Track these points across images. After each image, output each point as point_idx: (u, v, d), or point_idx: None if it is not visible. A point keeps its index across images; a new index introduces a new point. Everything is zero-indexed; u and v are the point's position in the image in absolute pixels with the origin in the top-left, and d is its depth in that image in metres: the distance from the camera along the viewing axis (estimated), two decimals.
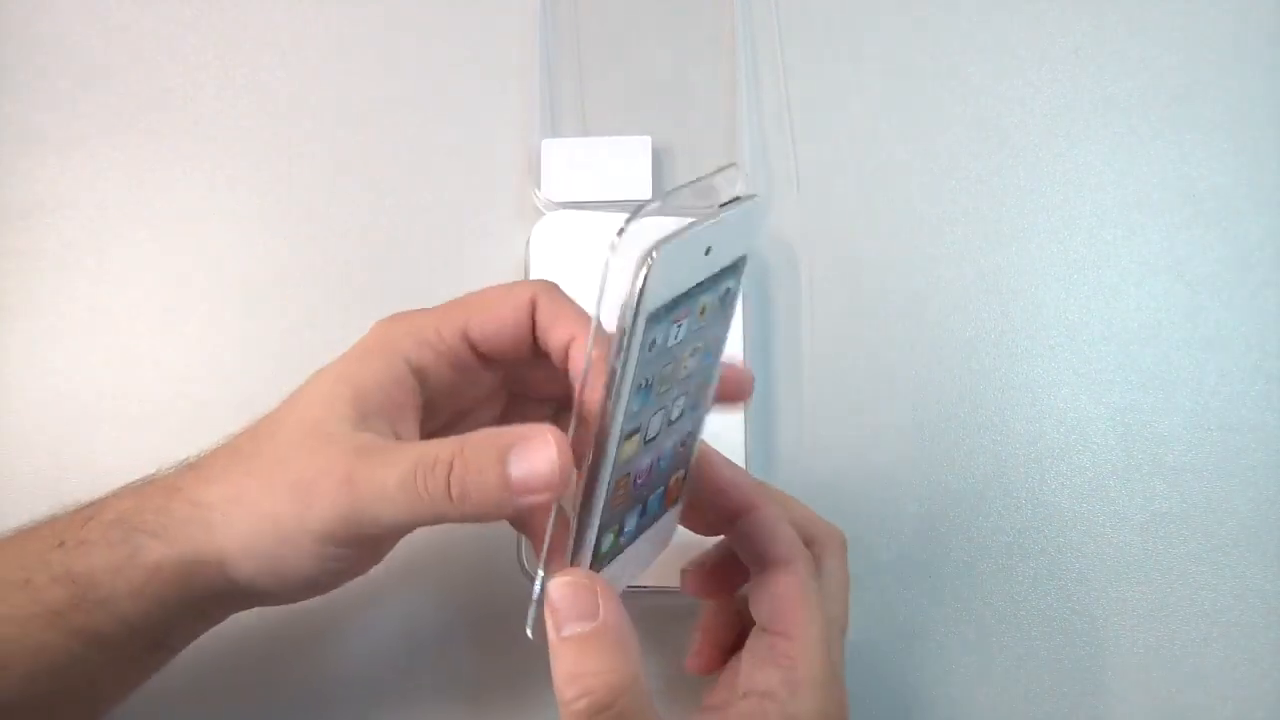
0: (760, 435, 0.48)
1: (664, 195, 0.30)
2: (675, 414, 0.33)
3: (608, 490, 0.31)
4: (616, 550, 0.34)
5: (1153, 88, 0.53)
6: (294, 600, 0.36)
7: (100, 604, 0.33)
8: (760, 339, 0.50)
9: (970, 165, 0.52)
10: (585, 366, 0.31)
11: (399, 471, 0.32)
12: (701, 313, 0.32)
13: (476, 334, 0.36)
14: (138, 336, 0.49)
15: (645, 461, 0.33)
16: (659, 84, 0.54)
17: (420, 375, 0.36)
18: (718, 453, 0.38)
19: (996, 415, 0.49)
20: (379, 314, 0.38)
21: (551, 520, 0.33)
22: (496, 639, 0.45)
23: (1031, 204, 0.52)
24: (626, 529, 0.34)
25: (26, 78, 0.52)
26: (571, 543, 0.32)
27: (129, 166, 0.51)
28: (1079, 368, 0.50)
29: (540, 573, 0.32)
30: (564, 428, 0.32)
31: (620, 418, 0.30)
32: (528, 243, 0.49)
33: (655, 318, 0.29)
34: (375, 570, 0.37)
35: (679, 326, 0.31)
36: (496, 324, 0.36)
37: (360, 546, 0.34)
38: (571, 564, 0.32)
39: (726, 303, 0.33)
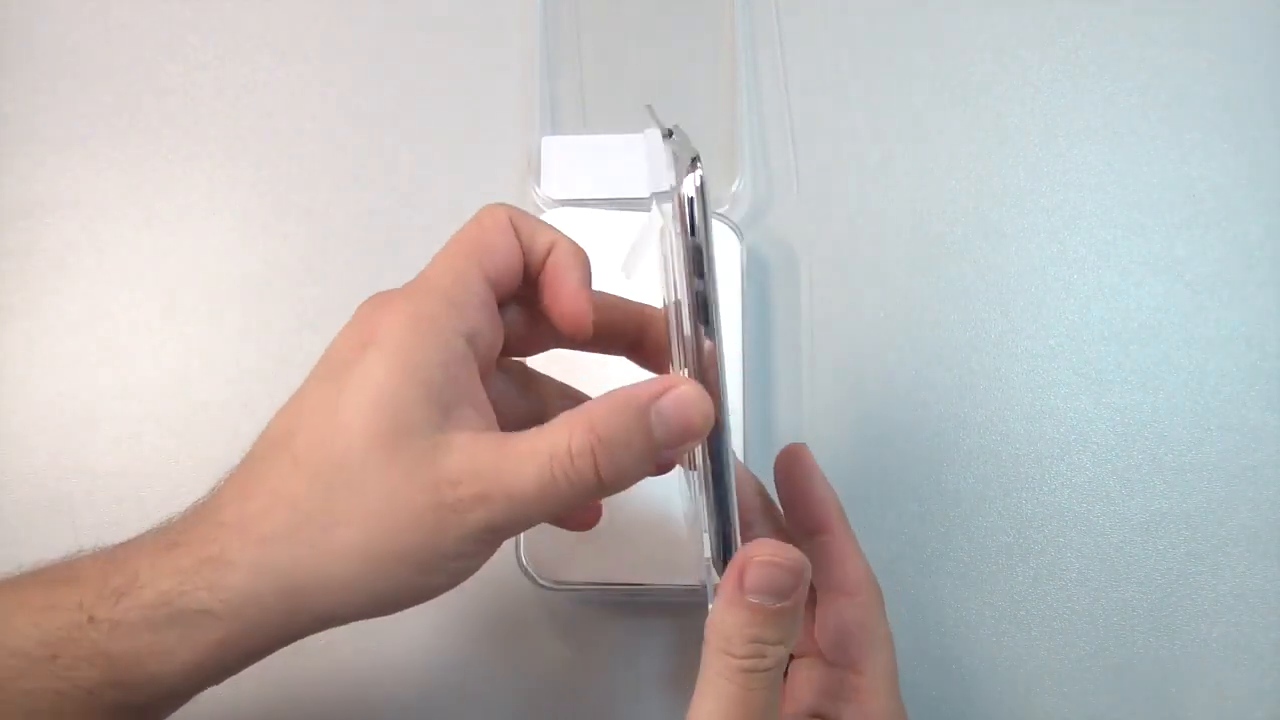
0: (760, 435, 0.48)
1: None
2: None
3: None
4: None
5: (1153, 88, 0.53)
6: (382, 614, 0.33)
7: (144, 684, 0.30)
8: (760, 339, 0.50)
9: (970, 165, 0.52)
10: (668, 302, 0.30)
11: (534, 471, 0.29)
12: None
13: (493, 275, 0.33)
14: (138, 336, 0.49)
15: None
16: (659, 82, 0.54)
17: (472, 342, 0.32)
18: (817, 465, 0.37)
19: (996, 415, 0.49)
20: None
21: (724, 507, 0.31)
22: (497, 639, 0.45)
23: (1031, 204, 0.52)
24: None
25: (26, 78, 0.52)
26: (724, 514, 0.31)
27: (129, 166, 0.51)
28: (1079, 368, 0.50)
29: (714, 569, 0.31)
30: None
31: (721, 350, 0.29)
32: None
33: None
34: None
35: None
36: (505, 256, 0.33)
37: (488, 550, 0.31)
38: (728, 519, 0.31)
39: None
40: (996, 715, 0.47)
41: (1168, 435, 0.49)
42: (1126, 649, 0.47)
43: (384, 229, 0.51)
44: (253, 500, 0.30)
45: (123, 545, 0.31)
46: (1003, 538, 0.48)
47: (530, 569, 0.44)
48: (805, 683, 0.35)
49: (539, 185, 0.50)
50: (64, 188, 0.51)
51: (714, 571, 0.31)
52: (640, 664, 0.45)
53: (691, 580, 0.43)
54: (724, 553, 0.31)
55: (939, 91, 0.53)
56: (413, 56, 0.53)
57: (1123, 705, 0.47)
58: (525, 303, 0.36)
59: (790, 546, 0.31)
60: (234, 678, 0.34)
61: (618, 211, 0.49)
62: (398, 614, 0.40)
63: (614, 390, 0.30)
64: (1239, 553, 0.48)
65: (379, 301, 0.33)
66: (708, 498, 0.31)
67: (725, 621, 0.30)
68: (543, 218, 0.49)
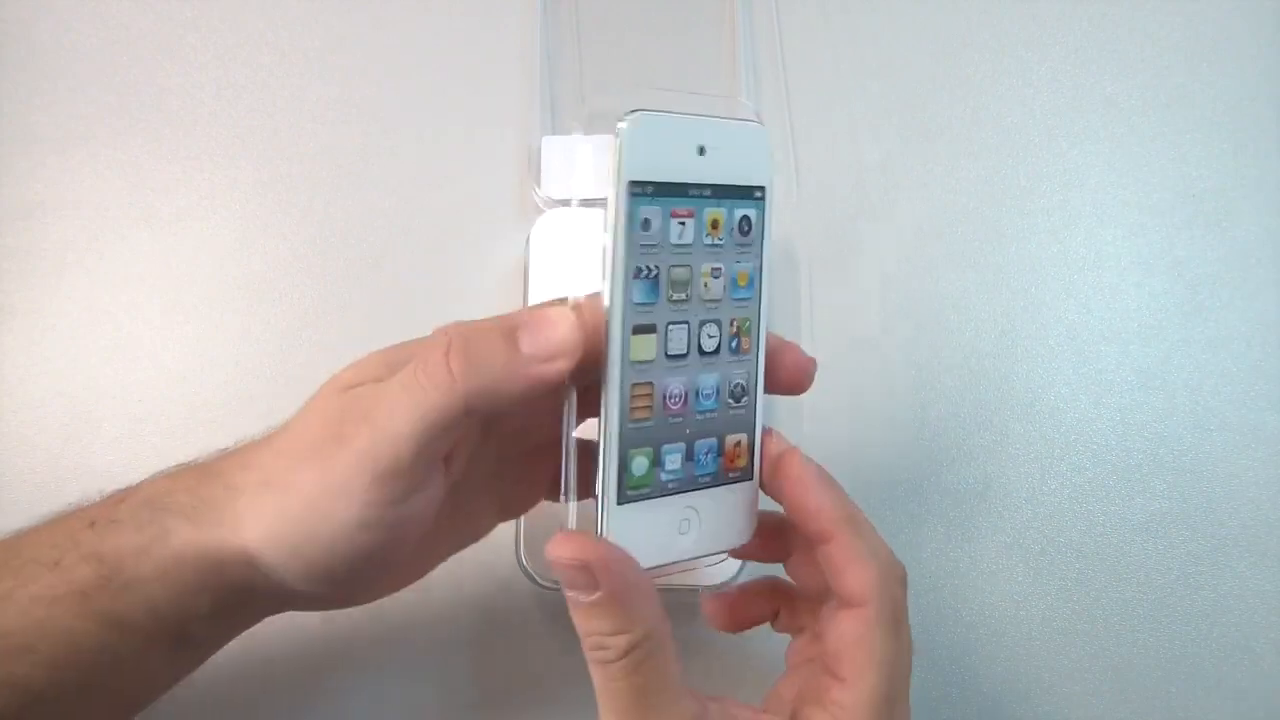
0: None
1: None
2: (709, 343, 0.34)
3: (622, 390, 0.32)
4: (659, 489, 0.33)
5: (1153, 88, 0.53)
6: (322, 597, 0.35)
7: (126, 587, 0.33)
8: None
9: (970, 165, 0.52)
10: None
11: (400, 379, 0.32)
12: (714, 226, 0.34)
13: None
14: (138, 336, 0.49)
15: (675, 383, 0.33)
16: (659, 83, 0.54)
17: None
18: (817, 471, 0.35)
19: (996, 415, 0.49)
20: (379, 313, 0.38)
21: (569, 443, 0.32)
22: (497, 639, 0.45)
23: (1031, 204, 0.52)
24: (667, 465, 0.34)
25: (26, 78, 0.52)
26: (600, 460, 0.32)
27: (129, 166, 0.51)
28: (1079, 368, 0.50)
29: (572, 500, 0.32)
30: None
31: (619, 299, 0.31)
32: (527, 240, 0.49)
33: (643, 194, 0.32)
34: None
35: (682, 225, 0.33)
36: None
37: (386, 499, 0.32)
38: (597, 485, 0.32)
39: (750, 234, 0.35)
40: (997, 715, 0.47)
41: (1168, 435, 0.49)
42: (1126, 649, 0.47)
43: (384, 229, 0.51)
44: (255, 442, 0.35)
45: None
46: (1003, 538, 0.48)
47: (530, 569, 0.44)
48: (801, 676, 0.35)
49: (539, 185, 0.50)
50: (64, 188, 0.51)
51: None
52: None
53: (692, 582, 0.43)
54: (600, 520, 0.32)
55: (939, 91, 0.53)
56: (413, 56, 0.53)
57: (1123, 705, 0.47)
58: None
59: (582, 537, 0.31)
60: (232, 682, 0.34)
61: None
62: (398, 613, 0.40)
63: None
64: (1239, 553, 0.48)
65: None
66: (566, 462, 0.32)
67: (574, 620, 0.31)
68: (543, 217, 0.49)
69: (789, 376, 0.36)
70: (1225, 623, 0.47)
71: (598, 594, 0.31)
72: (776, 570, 0.38)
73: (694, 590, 0.44)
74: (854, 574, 0.33)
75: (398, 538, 0.33)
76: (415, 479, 0.32)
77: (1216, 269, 0.51)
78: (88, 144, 0.51)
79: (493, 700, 0.45)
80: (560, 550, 0.31)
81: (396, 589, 0.37)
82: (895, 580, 0.34)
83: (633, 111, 0.32)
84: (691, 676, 0.32)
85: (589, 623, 0.31)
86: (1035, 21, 0.54)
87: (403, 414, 0.31)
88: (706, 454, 0.35)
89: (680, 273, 0.33)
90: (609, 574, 0.31)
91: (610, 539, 0.32)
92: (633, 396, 0.32)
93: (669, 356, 0.33)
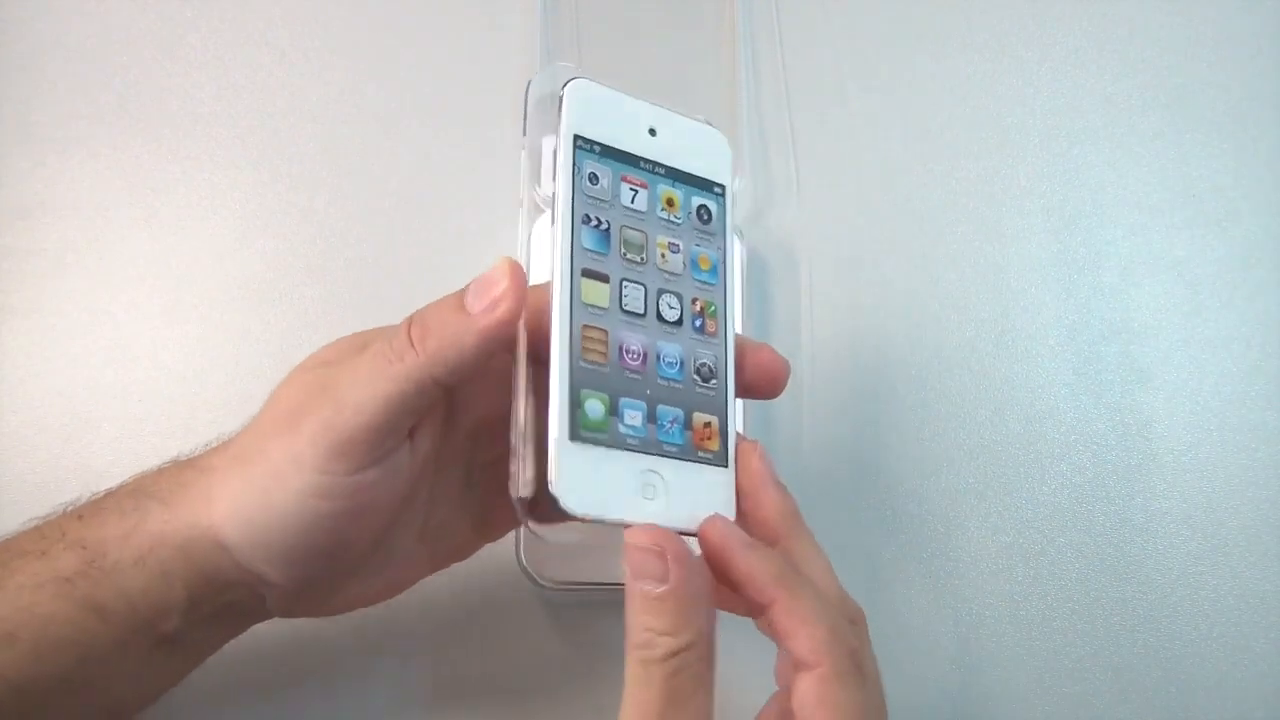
0: (759, 436, 0.48)
1: None
2: (669, 313, 0.36)
3: (573, 326, 0.34)
4: (618, 441, 0.34)
5: (1153, 88, 0.53)
6: (292, 592, 0.35)
7: (107, 573, 0.33)
8: (760, 339, 0.50)
9: (970, 165, 0.52)
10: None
11: (367, 355, 0.33)
12: (670, 204, 0.37)
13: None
14: (138, 336, 0.49)
15: (633, 340, 0.35)
16: (659, 82, 0.54)
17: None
18: (740, 537, 0.33)
19: (996, 415, 0.49)
20: (378, 313, 0.38)
21: (521, 370, 0.34)
22: (497, 639, 0.45)
23: (1031, 204, 0.52)
24: (625, 419, 0.34)
25: (26, 78, 0.52)
26: (552, 396, 0.33)
27: (129, 166, 0.51)
28: (1079, 368, 0.50)
29: (522, 437, 0.33)
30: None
31: (567, 240, 0.35)
32: (527, 240, 0.49)
33: (589, 150, 0.36)
34: None
35: (634, 192, 0.37)
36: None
37: (345, 467, 0.33)
38: (549, 423, 0.33)
39: (711, 224, 0.38)
40: (997, 715, 0.47)
41: (1168, 435, 0.49)
42: (1126, 649, 0.47)
43: (384, 229, 0.51)
44: (240, 431, 0.36)
45: None
46: (1003, 538, 0.48)
47: (530, 569, 0.44)
48: (776, 705, 0.34)
49: (539, 185, 0.50)
50: (64, 188, 0.51)
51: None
52: None
53: None
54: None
55: (939, 91, 0.53)
56: (413, 56, 0.53)
57: (1123, 705, 0.47)
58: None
59: (668, 534, 0.31)
60: (230, 681, 0.34)
61: None
62: (395, 608, 0.40)
63: None
64: (1239, 553, 0.48)
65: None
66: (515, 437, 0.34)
67: (626, 609, 0.31)
68: (543, 217, 0.49)
69: (760, 377, 0.37)
70: (1225, 623, 0.47)
71: (664, 587, 0.31)
72: None
73: None
74: (802, 638, 0.32)
75: (357, 509, 0.33)
76: (376, 449, 0.33)
77: (1216, 269, 0.51)
78: (88, 144, 0.51)
79: (492, 699, 0.45)
80: (639, 536, 0.31)
81: (370, 601, 0.37)
82: (847, 629, 0.33)
83: (573, 79, 0.36)
84: None
85: (645, 616, 0.31)
86: (1035, 21, 0.54)
87: (365, 382, 0.33)
88: (671, 422, 0.35)
89: (634, 235, 0.36)
90: (681, 568, 0.31)
91: (560, 480, 0.32)
92: (584, 337, 0.34)
93: (624, 311, 0.35)
